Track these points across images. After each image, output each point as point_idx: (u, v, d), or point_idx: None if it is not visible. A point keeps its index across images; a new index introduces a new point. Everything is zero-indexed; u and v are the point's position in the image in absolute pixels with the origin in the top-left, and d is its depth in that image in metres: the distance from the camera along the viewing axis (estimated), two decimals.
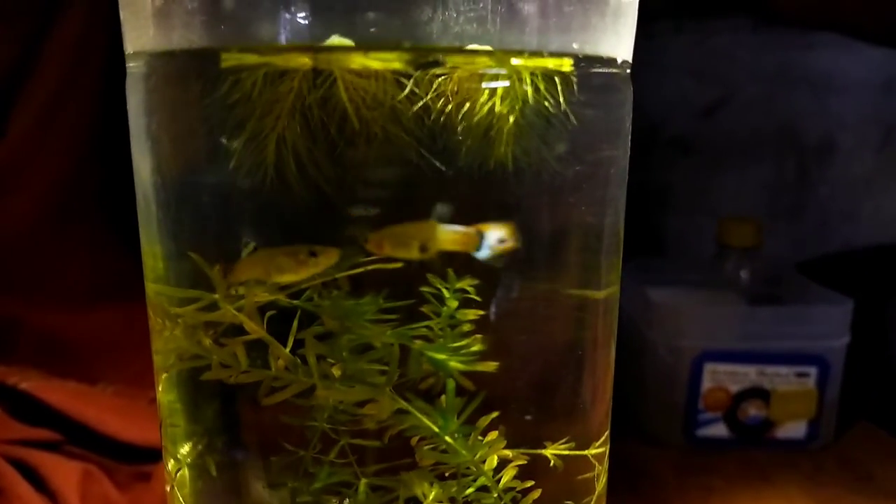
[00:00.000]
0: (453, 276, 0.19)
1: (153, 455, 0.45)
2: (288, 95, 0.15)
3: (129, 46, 0.18)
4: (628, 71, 0.18)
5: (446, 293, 0.19)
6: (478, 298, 0.19)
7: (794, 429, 0.55)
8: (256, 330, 0.19)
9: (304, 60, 0.14)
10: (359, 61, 0.14)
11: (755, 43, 0.85)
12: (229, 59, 0.15)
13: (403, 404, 0.17)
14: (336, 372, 0.18)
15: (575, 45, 0.16)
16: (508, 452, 0.18)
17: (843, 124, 0.88)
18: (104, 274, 0.51)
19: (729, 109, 0.88)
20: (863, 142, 0.89)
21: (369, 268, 0.18)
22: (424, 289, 0.18)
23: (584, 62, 0.16)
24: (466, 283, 0.19)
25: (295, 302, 0.18)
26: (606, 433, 0.21)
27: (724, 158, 0.89)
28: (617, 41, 0.17)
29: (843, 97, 0.87)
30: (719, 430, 0.55)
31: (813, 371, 0.54)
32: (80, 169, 0.50)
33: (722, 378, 0.54)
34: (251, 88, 0.15)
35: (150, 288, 0.19)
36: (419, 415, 0.17)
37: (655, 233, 0.90)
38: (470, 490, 0.17)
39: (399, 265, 0.17)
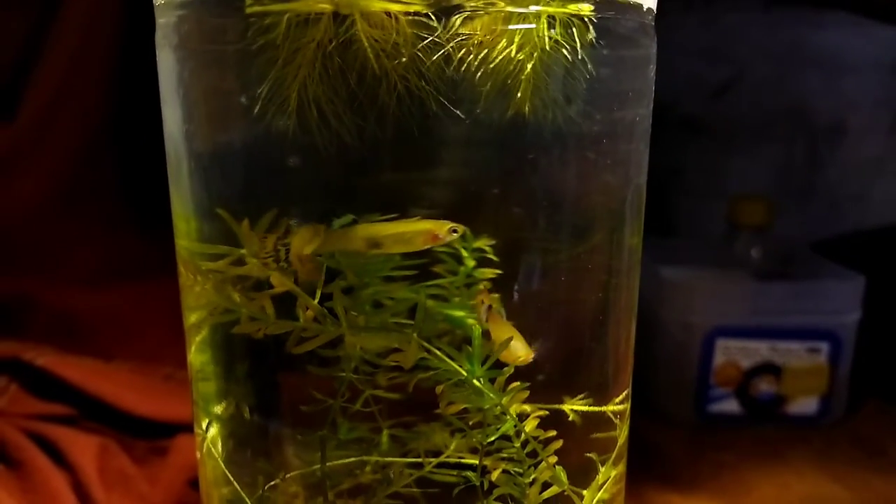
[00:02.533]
0: (471, 236, 0.19)
1: (169, 430, 0.45)
2: (311, 41, 0.15)
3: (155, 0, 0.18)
4: (652, 21, 0.18)
5: (464, 252, 0.19)
6: (494, 258, 0.19)
7: (805, 405, 0.55)
8: (285, 283, 0.19)
9: (325, 5, 0.15)
10: (379, 4, 0.14)
11: (766, 22, 0.84)
12: (253, 5, 0.15)
13: (432, 349, 0.17)
14: (361, 321, 0.18)
15: None
16: (526, 407, 0.18)
17: (854, 105, 0.88)
18: (117, 253, 0.52)
19: (739, 89, 0.87)
20: (873, 123, 0.88)
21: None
22: (440, 248, 0.18)
23: (606, 6, 0.16)
24: (484, 243, 0.19)
25: (318, 258, 0.18)
26: (627, 391, 0.21)
27: (734, 139, 0.88)
28: None
29: (855, 78, 0.86)
30: (731, 405, 0.55)
31: (824, 347, 0.54)
32: (91, 150, 0.50)
33: (733, 354, 0.54)
34: (275, 34, 0.15)
35: (181, 245, 0.19)
36: (448, 359, 0.17)
37: (666, 213, 0.90)
38: (493, 437, 0.17)
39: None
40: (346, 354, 0.19)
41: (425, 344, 0.17)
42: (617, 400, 0.21)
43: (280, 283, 0.19)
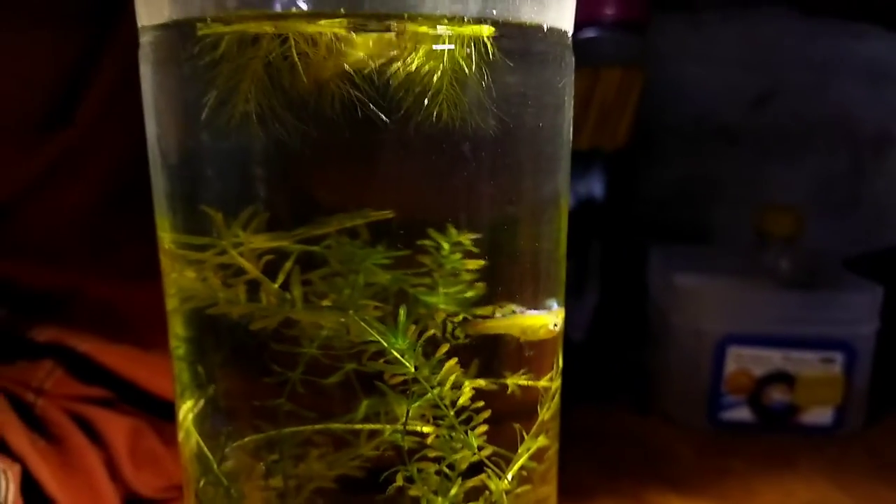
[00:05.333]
0: (453, 231, 0.21)
1: None
2: (251, 60, 0.17)
3: (138, 22, 0.21)
4: (565, 40, 0.20)
5: (446, 246, 0.22)
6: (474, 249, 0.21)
7: (819, 415, 0.55)
8: (251, 269, 0.22)
9: (265, 27, 0.17)
10: (308, 27, 0.17)
11: (804, 31, 0.83)
12: (204, 28, 0.18)
13: (363, 324, 0.19)
14: (326, 303, 0.21)
15: (494, 12, 0.18)
16: (456, 374, 0.20)
17: None
18: (158, 251, 0.56)
19: (778, 99, 0.87)
20: None
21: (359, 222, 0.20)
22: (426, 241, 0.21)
23: (505, 28, 0.18)
24: (465, 238, 0.21)
25: (295, 246, 0.20)
26: (554, 371, 0.23)
27: (773, 149, 0.88)
28: (541, 9, 0.19)
29: None
30: (743, 413, 0.56)
31: (839, 357, 0.54)
32: (138, 155, 0.55)
33: (745, 362, 0.54)
34: (219, 52, 0.18)
35: (161, 237, 0.22)
36: (374, 333, 0.19)
37: (703, 223, 0.90)
38: (415, 404, 0.20)
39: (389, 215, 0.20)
40: (303, 334, 0.21)
41: (361, 322, 0.19)
42: (547, 377, 0.23)
43: (248, 268, 0.22)
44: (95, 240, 0.55)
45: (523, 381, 0.22)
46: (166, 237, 0.22)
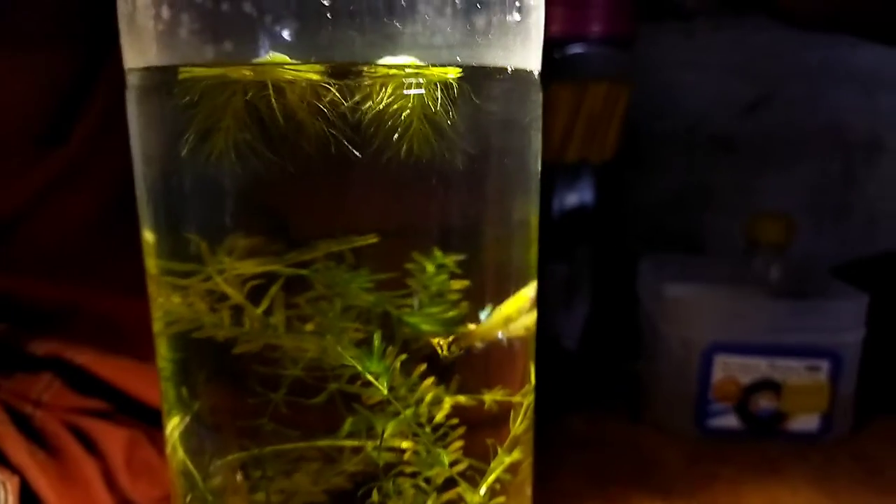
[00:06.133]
0: (439, 253, 0.22)
1: None
2: (230, 101, 0.18)
3: (126, 64, 0.22)
4: (531, 77, 0.21)
5: (430, 268, 0.23)
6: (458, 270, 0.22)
7: (806, 422, 0.56)
8: (235, 295, 0.23)
9: (243, 73, 0.18)
10: (282, 73, 0.18)
11: (798, 40, 0.84)
12: (184, 73, 0.19)
13: (335, 346, 0.20)
14: (309, 327, 0.22)
15: (458, 59, 0.19)
16: (431, 392, 0.21)
17: (891, 122, 0.87)
18: None
19: (771, 107, 0.87)
20: None
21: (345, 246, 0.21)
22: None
23: (471, 71, 0.19)
24: (450, 260, 0.22)
25: (285, 270, 0.21)
26: (528, 386, 0.24)
27: (767, 157, 0.89)
28: (505, 55, 0.20)
29: (891, 95, 0.86)
30: (731, 421, 0.56)
31: (824, 365, 0.54)
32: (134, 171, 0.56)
33: (732, 370, 0.55)
34: (201, 95, 0.19)
35: (147, 262, 0.23)
36: (348, 357, 0.20)
37: (695, 231, 0.91)
38: (391, 424, 0.21)
39: (374, 239, 0.21)
40: (285, 356, 0.22)
41: (337, 347, 0.20)
42: (521, 392, 0.24)
43: (231, 294, 0.23)
44: (93, 254, 0.56)
45: (498, 397, 0.23)
46: (152, 263, 0.23)
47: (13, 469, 0.41)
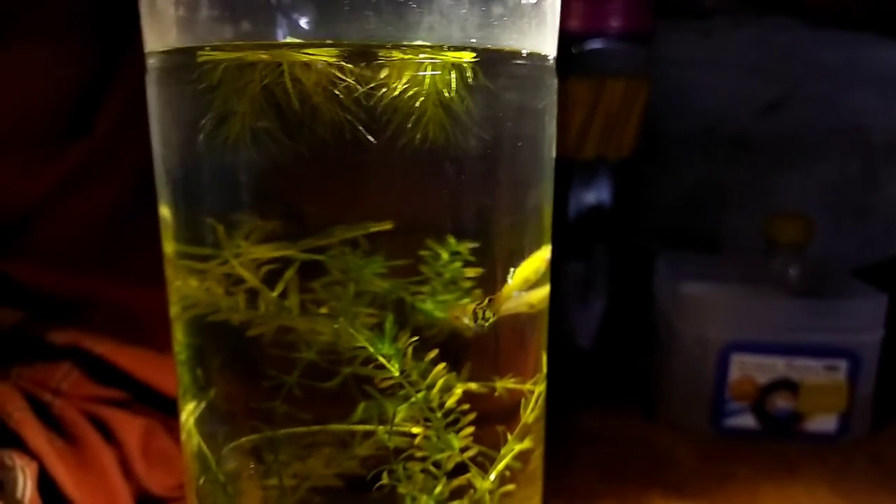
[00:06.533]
0: (453, 241, 0.22)
1: None
2: (248, 84, 0.19)
3: (146, 48, 0.22)
4: (546, 62, 0.21)
5: (444, 255, 0.23)
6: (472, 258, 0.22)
7: (824, 422, 0.55)
8: (250, 278, 0.23)
9: (260, 55, 0.19)
10: (298, 56, 0.18)
11: (818, 39, 0.83)
12: (203, 55, 0.19)
13: (353, 331, 0.20)
14: (323, 311, 0.22)
15: (473, 42, 0.19)
16: (443, 377, 0.21)
17: None
18: None
19: (791, 107, 0.87)
20: None
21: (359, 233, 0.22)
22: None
23: (485, 54, 0.19)
24: (464, 247, 0.23)
25: (300, 255, 0.22)
26: (540, 374, 0.24)
27: (785, 156, 0.88)
28: (520, 37, 0.20)
29: None
30: (747, 420, 0.56)
31: (843, 364, 0.54)
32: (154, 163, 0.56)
33: (749, 369, 0.55)
34: (220, 78, 0.19)
35: (165, 247, 0.24)
36: (362, 339, 0.20)
37: (713, 230, 0.90)
38: (403, 408, 0.21)
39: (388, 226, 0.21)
40: (300, 340, 0.22)
41: (350, 329, 0.21)
42: (532, 381, 0.24)
43: (247, 277, 0.23)
44: (113, 245, 0.56)
45: (509, 385, 0.23)
46: (170, 247, 0.24)
47: (32, 455, 0.42)
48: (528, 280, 0.23)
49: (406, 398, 0.21)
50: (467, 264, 0.22)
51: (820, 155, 0.86)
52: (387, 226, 0.21)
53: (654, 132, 0.85)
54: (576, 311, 0.63)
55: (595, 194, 0.60)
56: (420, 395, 0.21)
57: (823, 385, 0.54)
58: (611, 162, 0.59)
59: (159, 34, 0.20)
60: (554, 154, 0.23)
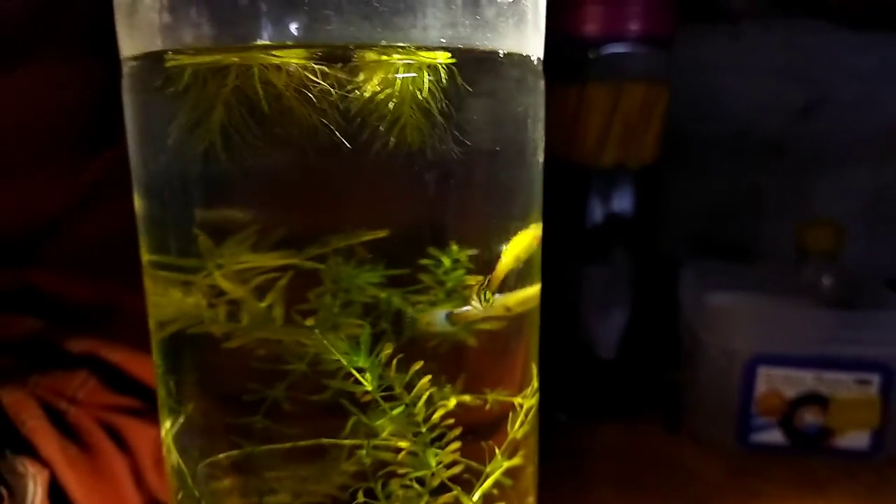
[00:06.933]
0: (456, 248, 0.22)
1: None
2: (217, 89, 0.18)
3: (121, 53, 0.22)
4: (532, 63, 0.21)
5: (446, 262, 0.22)
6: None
7: (855, 438, 0.53)
8: (234, 290, 0.22)
9: (231, 58, 0.18)
10: (268, 58, 0.18)
11: (852, 41, 0.81)
12: (171, 60, 0.19)
13: (322, 340, 0.20)
14: (309, 322, 0.21)
15: (449, 42, 0.18)
16: (426, 391, 0.20)
17: None
18: None
19: (825, 110, 0.84)
20: None
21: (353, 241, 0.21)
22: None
23: (460, 54, 0.19)
24: (463, 255, 0.22)
25: (291, 262, 0.21)
26: (531, 387, 0.23)
27: (820, 161, 0.85)
28: (496, 37, 0.19)
29: None
30: (775, 436, 0.54)
31: (875, 379, 0.52)
32: None
33: (776, 383, 0.53)
34: (188, 83, 0.19)
35: (143, 258, 0.23)
36: (332, 349, 0.20)
37: (746, 237, 0.88)
38: (381, 420, 0.20)
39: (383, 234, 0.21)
40: (280, 352, 0.22)
41: (324, 341, 0.20)
42: (521, 394, 0.23)
43: (230, 289, 0.22)
44: (133, 254, 0.57)
45: (495, 397, 0.22)
46: (146, 257, 0.23)
47: (44, 463, 0.42)
48: (519, 258, 0.22)
49: (384, 413, 0.20)
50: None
51: (855, 160, 0.84)
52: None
53: (682, 137, 0.83)
54: (597, 320, 0.61)
55: (615, 202, 0.58)
56: (398, 409, 0.20)
57: (855, 400, 0.52)
58: (631, 169, 0.57)
59: (129, 39, 0.20)
60: (541, 158, 0.22)
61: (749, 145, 0.86)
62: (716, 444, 0.55)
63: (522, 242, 0.22)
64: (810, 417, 0.53)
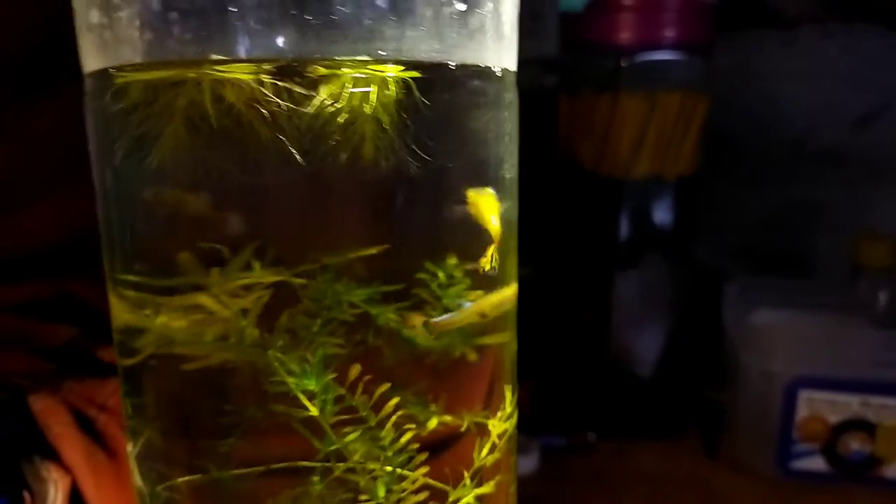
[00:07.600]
0: (452, 262, 0.21)
1: None
2: (170, 104, 0.18)
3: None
4: (487, 74, 0.20)
5: (441, 276, 0.21)
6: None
7: None
8: (212, 305, 0.22)
9: (186, 74, 0.18)
10: (219, 73, 0.18)
11: None
12: (120, 77, 0.19)
13: (276, 364, 0.19)
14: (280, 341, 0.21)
15: (400, 54, 0.18)
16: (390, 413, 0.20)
17: None
18: None
19: (886, 119, 0.80)
20: None
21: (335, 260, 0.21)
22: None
23: (414, 67, 0.18)
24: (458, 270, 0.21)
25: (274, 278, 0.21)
26: (505, 412, 0.22)
27: (881, 172, 0.81)
28: (444, 48, 0.18)
29: None
30: (816, 463, 0.51)
31: None
32: None
33: (819, 407, 0.50)
34: (140, 98, 0.18)
35: (107, 276, 0.23)
36: (282, 371, 0.19)
37: (803, 251, 0.84)
38: (333, 446, 0.19)
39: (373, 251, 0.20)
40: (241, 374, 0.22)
41: (274, 360, 0.19)
42: (497, 417, 0.22)
43: (204, 304, 0.22)
44: None
45: (479, 419, 0.21)
46: (109, 276, 0.23)
47: (67, 470, 0.43)
48: (482, 267, 0.21)
49: (343, 435, 0.20)
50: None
51: None
52: (373, 251, 0.20)
53: (733, 147, 0.80)
54: (631, 336, 0.59)
55: (651, 215, 0.56)
56: (352, 435, 0.20)
57: None
58: (668, 180, 0.55)
59: (85, 55, 0.20)
60: (512, 174, 0.21)
61: (805, 155, 0.82)
62: (754, 471, 0.53)
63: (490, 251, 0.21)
64: (855, 444, 0.50)
